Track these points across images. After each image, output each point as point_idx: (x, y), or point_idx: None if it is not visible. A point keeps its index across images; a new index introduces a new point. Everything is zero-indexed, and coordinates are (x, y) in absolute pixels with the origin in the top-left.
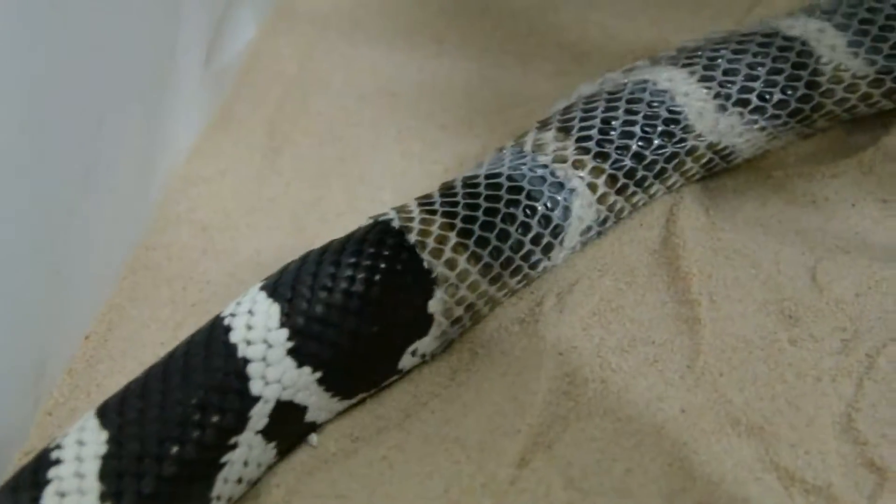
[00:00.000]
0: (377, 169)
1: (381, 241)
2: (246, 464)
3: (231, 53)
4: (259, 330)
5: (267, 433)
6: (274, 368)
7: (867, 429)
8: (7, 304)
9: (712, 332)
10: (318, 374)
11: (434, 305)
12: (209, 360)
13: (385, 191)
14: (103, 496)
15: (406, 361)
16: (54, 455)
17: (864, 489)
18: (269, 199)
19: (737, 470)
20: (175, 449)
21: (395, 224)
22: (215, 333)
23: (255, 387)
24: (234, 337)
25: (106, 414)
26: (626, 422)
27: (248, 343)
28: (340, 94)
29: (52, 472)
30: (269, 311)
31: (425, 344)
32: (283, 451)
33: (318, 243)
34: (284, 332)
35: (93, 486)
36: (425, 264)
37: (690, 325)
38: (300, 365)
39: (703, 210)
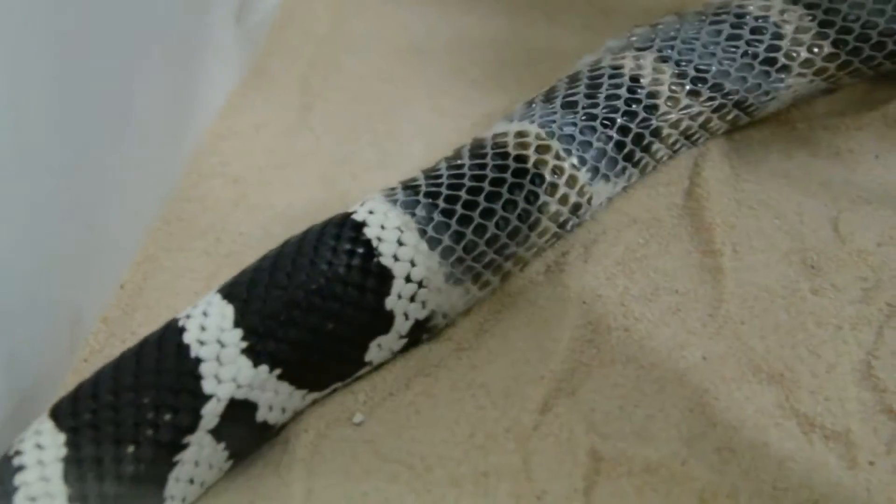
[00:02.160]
0: (407, 125)
1: (337, 236)
2: (197, 463)
3: (264, 11)
4: (212, 330)
5: (217, 433)
6: (227, 368)
7: (886, 376)
8: (42, 252)
9: (735, 281)
10: (278, 371)
11: (392, 302)
12: (161, 361)
13: (415, 146)
14: (71, 498)
15: (373, 355)
16: (16, 462)
17: (883, 435)
18: (300, 154)
19: (757, 416)
20: (131, 448)
21: (358, 218)
22: (168, 335)
23: (208, 385)
24: (188, 338)
25: (59, 416)
26: (648, 369)
27: (202, 343)
28: (371, 50)
29: (18, 479)
30: (223, 313)
31: (389, 340)
32: (235, 455)
33: (348, 198)
34: (238, 333)
35: (60, 489)
36: (381, 261)
37: (713, 275)
38: (256, 364)
39: (727, 162)
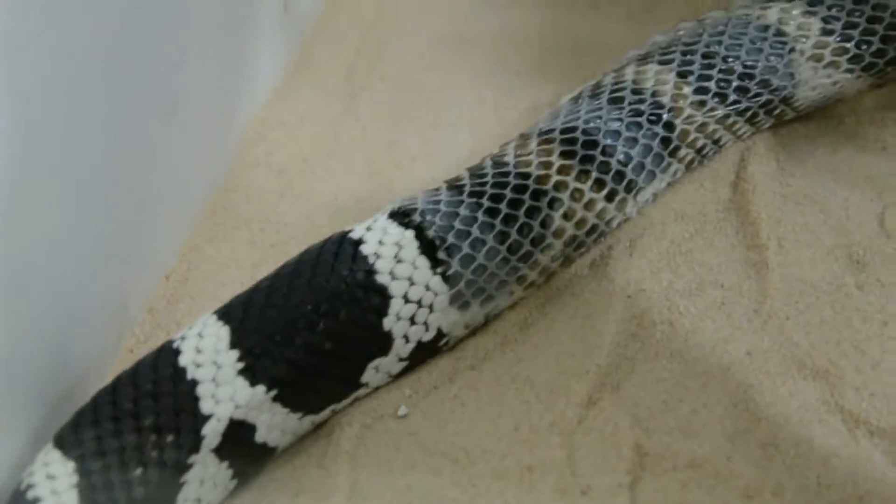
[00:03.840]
0: (452, 114)
1: (336, 256)
2: (202, 483)
3: None
4: (208, 352)
5: (219, 452)
6: (224, 388)
7: None
8: (90, 240)
9: (780, 276)
10: (273, 393)
11: (389, 323)
12: (158, 384)
13: (460, 136)
14: None
15: (369, 377)
16: (31, 495)
17: None
18: (345, 143)
19: (801, 412)
20: (139, 471)
21: (355, 236)
22: (163, 357)
23: (206, 406)
24: (183, 360)
25: (64, 444)
26: (692, 363)
27: (198, 365)
28: (417, 39)
29: None
30: (218, 334)
31: (388, 362)
32: (239, 475)
33: (393, 187)
34: (235, 354)
35: None
36: (378, 280)
37: (758, 270)
38: (253, 384)
39: (773, 156)
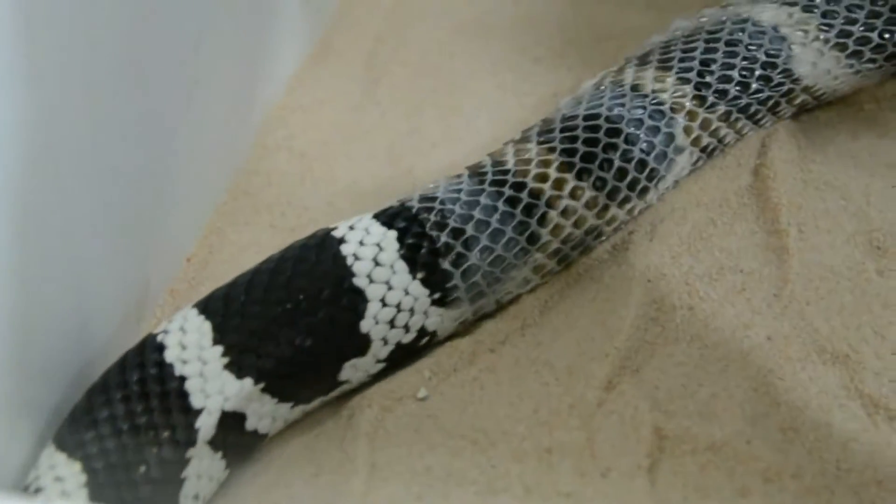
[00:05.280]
0: (472, 100)
1: (318, 255)
2: (199, 477)
3: None
4: (192, 348)
5: (213, 443)
6: (212, 383)
7: None
8: (113, 223)
9: (800, 261)
10: (262, 385)
11: (367, 326)
12: (145, 383)
13: (480, 122)
14: None
15: (348, 374)
16: (41, 500)
17: None
18: (366, 129)
19: (821, 397)
20: (142, 469)
21: (337, 234)
22: (148, 353)
23: (197, 400)
24: (170, 356)
25: (67, 446)
26: (712, 348)
27: (184, 362)
28: (437, 26)
29: None
30: (200, 329)
31: (365, 363)
32: (232, 463)
33: (413, 173)
34: (219, 349)
35: None
36: (356, 282)
37: (779, 255)
38: (240, 377)
39: (794, 143)
